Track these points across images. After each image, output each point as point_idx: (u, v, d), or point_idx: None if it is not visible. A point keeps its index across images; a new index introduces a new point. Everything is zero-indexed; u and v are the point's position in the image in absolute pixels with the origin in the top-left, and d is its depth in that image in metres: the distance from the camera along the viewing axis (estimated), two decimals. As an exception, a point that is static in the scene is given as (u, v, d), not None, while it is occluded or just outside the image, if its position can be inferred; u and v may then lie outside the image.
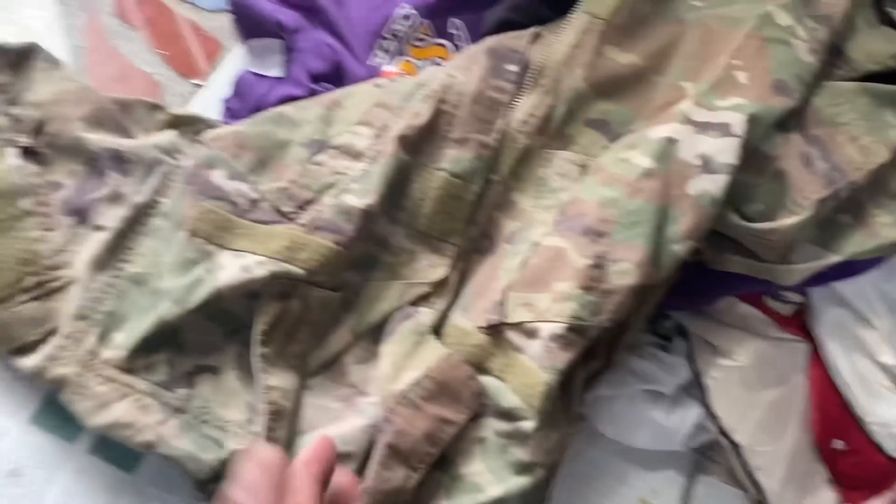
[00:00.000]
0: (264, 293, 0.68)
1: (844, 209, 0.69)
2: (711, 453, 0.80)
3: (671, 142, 0.66)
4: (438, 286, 0.74)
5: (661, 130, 0.68)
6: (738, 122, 0.64)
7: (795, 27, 0.71)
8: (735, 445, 0.75)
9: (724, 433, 0.75)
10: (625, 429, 0.76)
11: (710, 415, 0.76)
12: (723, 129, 0.65)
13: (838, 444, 0.73)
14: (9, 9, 0.78)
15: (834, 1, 0.76)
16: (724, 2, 0.76)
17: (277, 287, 0.68)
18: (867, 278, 0.72)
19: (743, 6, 0.74)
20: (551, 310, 0.66)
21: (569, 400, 0.70)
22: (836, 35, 0.76)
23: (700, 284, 0.76)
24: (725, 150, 0.64)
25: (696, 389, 0.77)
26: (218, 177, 0.70)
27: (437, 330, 0.74)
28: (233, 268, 0.67)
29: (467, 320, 0.72)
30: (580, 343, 0.66)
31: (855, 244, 0.67)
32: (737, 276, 0.74)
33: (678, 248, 0.66)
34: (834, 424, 0.73)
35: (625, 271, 0.65)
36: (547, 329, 0.66)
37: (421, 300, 0.74)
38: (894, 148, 0.68)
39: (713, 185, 0.64)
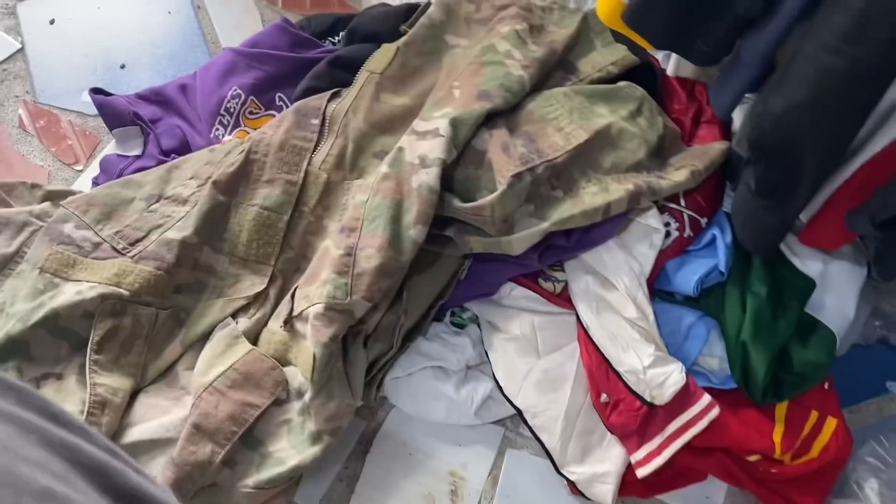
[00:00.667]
0: (98, 312, 0.83)
1: (558, 186, 0.81)
2: (521, 429, 0.88)
3: (400, 150, 0.81)
4: (256, 299, 0.88)
5: (400, 142, 0.83)
6: (443, 125, 0.79)
7: (513, 51, 0.87)
8: (518, 410, 0.84)
9: (508, 400, 0.84)
10: (421, 404, 0.86)
11: (497, 385, 0.85)
12: (434, 133, 0.80)
13: (604, 398, 0.81)
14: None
15: (557, 31, 0.92)
16: (474, 45, 0.93)
17: (109, 307, 0.83)
18: (606, 248, 0.82)
19: (481, 43, 0.91)
20: (315, 295, 0.79)
21: (351, 376, 0.81)
22: (570, 55, 0.92)
23: (482, 276, 0.88)
24: (435, 148, 0.79)
25: (487, 368, 0.87)
26: (68, 228, 0.88)
27: (257, 337, 0.87)
28: (69, 293, 0.83)
29: (276, 323, 0.86)
30: (341, 319, 0.78)
31: (562, 211, 0.78)
32: (507, 265, 0.86)
33: (413, 232, 0.79)
34: (598, 381, 0.81)
35: (369, 256, 0.78)
36: (313, 311, 0.79)
37: (240, 312, 0.88)
38: (595, 131, 0.81)
39: (428, 176, 0.78)
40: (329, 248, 0.82)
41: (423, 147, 0.80)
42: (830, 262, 0.86)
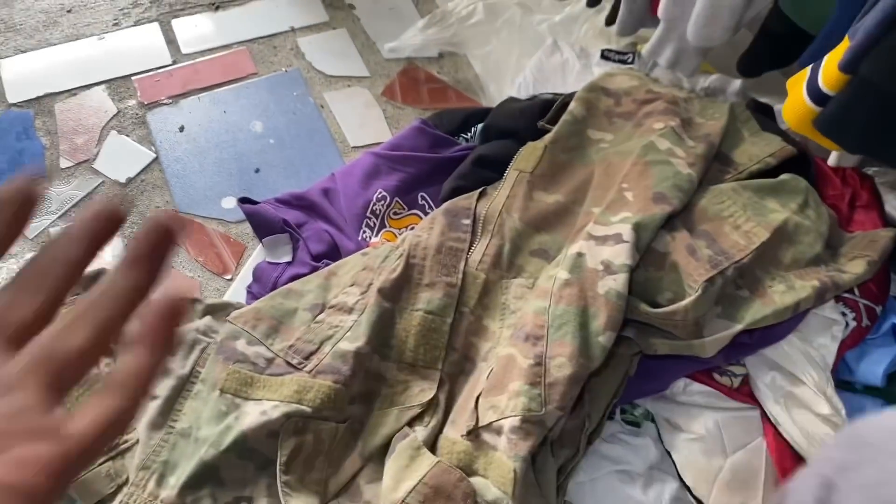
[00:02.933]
0: (282, 431, 0.84)
1: (743, 286, 0.81)
2: (703, 527, 0.88)
3: (580, 255, 0.82)
4: (429, 406, 0.88)
5: (573, 248, 0.84)
6: (626, 231, 0.80)
7: (674, 148, 0.88)
8: (710, 510, 0.83)
9: (699, 502, 0.84)
10: (607, 509, 0.85)
11: (684, 486, 0.85)
12: (616, 238, 0.81)
13: (801, 495, 0.80)
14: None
15: (711, 123, 0.93)
16: (623, 140, 0.95)
17: (292, 425, 0.84)
18: (787, 341, 0.83)
19: (634, 140, 0.92)
20: (508, 406, 0.79)
21: (542, 485, 0.81)
22: (722, 146, 0.93)
23: (654, 373, 0.88)
24: (620, 254, 0.79)
25: (669, 466, 0.86)
26: (241, 345, 0.89)
27: (434, 445, 0.87)
28: (254, 414, 0.84)
29: (454, 431, 0.86)
30: (537, 431, 0.78)
31: (753, 312, 0.78)
32: (682, 361, 0.86)
33: (602, 339, 0.79)
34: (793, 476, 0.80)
35: (561, 364, 0.79)
36: (507, 424, 0.79)
37: (416, 421, 0.88)
38: (774, 228, 0.82)
39: (616, 283, 0.79)
40: (514, 356, 0.82)
41: (606, 252, 0.81)
42: None
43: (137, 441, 0.86)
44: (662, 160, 0.87)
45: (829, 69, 0.69)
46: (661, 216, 0.81)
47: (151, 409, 0.87)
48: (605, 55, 1.19)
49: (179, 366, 0.90)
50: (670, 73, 1.11)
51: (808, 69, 0.73)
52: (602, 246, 0.82)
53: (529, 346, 0.81)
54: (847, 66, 0.67)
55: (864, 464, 0.42)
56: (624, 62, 1.18)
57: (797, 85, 0.74)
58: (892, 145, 0.69)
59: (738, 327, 0.78)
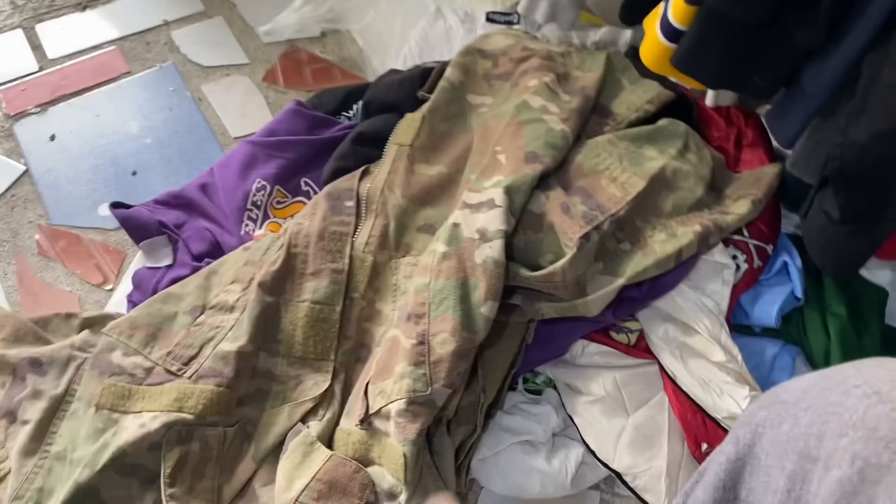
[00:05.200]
0: (164, 442, 0.79)
1: (624, 239, 0.78)
2: (617, 489, 0.85)
3: (456, 226, 0.78)
4: (323, 399, 0.84)
5: (451, 218, 0.80)
6: (498, 195, 0.77)
7: (548, 105, 0.85)
8: (617, 474, 0.80)
9: (604, 465, 0.81)
10: (513, 482, 0.82)
11: (589, 451, 0.82)
12: (489, 204, 0.77)
13: (705, 447, 0.78)
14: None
15: (588, 75, 0.90)
16: (501, 102, 0.91)
17: (175, 434, 0.79)
18: (678, 291, 0.80)
19: (511, 101, 0.89)
20: (394, 390, 0.76)
21: (440, 466, 0.78)
22: (601, 98, 0.90)
23: (551, 338, 0.85)
24: (494, 220, 0.76)
25: (574, 431, 0.84)
26: (117, 357, 0.84)
27: (331, 438, 0.83)
28: (132, 427, 0.79)
29: (349, 422, 0.82)
30: (426, 412, 0.75)
31: (634, 265, 0.76)
32: (577, 323, 0.83)
33: (484, 309, 0.76)
34: (696, 430, 0.78)
35: (444, 341, 0.75)
36: (394, 408, 0.75)
37: (310, 415, 0.84)
38: (651, 176, 0.79)
39: (492, 250, 0.75)
40: (398, 337, 0.78)
41: (481, 220, 0.77)
42: (898, 267, 0.85)
43: (10, 471, 0.80)
44: (535, 118, 0.83)
45: (678, 2, 0.66)
46: (533, 176, 0.78)
47: (22, 434, 0.81)
48: (491, 17, 1.15)
49: (52, 386, 0.84)
50: (558, 31, 1.08)
51: (661, 5, 0.70)
52: (477, 213, 0.78)
53: (412, 325, 0.77)
54: (691, -3, 0.63)
55: (780, 420, 0.42)
56: (510, 23, 1.14)
57: (652, 23, 0.70)
58: (749, 75, 0.66)
59: (620, 282, 0.75)
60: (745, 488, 0.44)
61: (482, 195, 0.79)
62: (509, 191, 0.77)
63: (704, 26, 0.64)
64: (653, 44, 0.70)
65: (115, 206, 0.97)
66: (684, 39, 0.67)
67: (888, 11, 0.55)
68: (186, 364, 0.83)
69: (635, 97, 0.88)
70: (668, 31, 0.68)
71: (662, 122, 0.85)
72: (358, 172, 0.94)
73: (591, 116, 0.88)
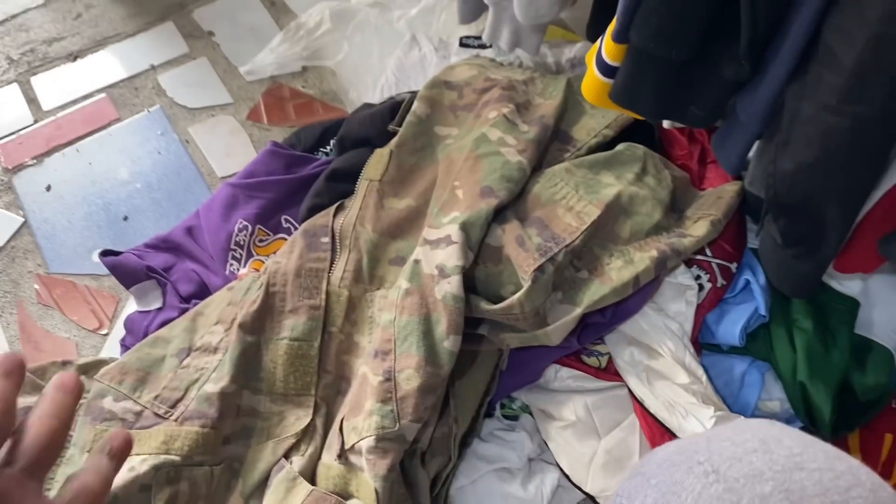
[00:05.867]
0: (154, 483, 0.83)
1: (581, 267, 0.80)
2: (595, 511, 0.87)
3: (417, 262, 0.81)
4: (304, 434, 0.87)
5: (412, 255, 0.82)
6: (454, 231, 0.79)
7: (505, 137, 0.86)
8: (590, 497, 0.82)
9: (578, 488, 0.83)
10: (490, 510, 0.84)
11: (564, 474, 0.83)
12: (447, 241, 0.79)
13: (674, 467, 0.79)
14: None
15: (548, 102, 0.91)
16: (464, 133, 0.93)
17: (164, 475, 0.83)
18: (642, 314, 0.81)
19: (473, 133, 0.91)
20: (364, 427, 0.78)
21: (416, 497, 0.80)
22: (562, 124, 0.91)
23: (524, 364, 0.87)
24: (452, 256, 0.78)
25: (550, 455, 0.85)
26: (108, 402, 0.88)
27: (314, 472, 0.86)
28: (122, 471, 0.83)
29: (329, 456, 0.85)
30: (396, 447, 0.77)
31: (591, 294, 0.77)
32: (548, 349, 0.84)
33: (447, 344, 0.78)
34: (664, 450, 0.79)
35: (409, 377, 0.77)
36: (365, 444, 0.78)
37: (292, 450, 0.87)
38: (605, 204, 0.80)
39: (450, 285, 0.77)
40: (367, 375, 0.81)
41: (440, 256, 0.79)
42: (869, 276, 0.84)
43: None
44: (492, 151, 0.85)
45: (608, 40, 0.67)
46: (488, 211, 0.80)
47: (22, 482, 0.86)
48: (464, 42, 1.17)
49: (50, 433, 0.89)
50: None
51: (598, 42, 0.71)
52: (436, 250, 0.80)
53: (379, 362, 0.80)
54: (618, 37, 0.65)
55: (635, 495, 0.43)
56: (483, 47, 1.16)
57: (590, 59, 0.72)
58: (686, 106, 0.67)
59: (578, 311, 0.77)
60: None
61: (440, 231, 0.81)
62: (465, 226, 0.79)
63: (634, 63, 0.65)
64: (592, 80, 0.71)
65: (105, 253, 1.01)
66: (618, 76, 0.68)
67: (802, 46, 0.56)
68: (173, 406, 0.87)
69: (594, 122, 0.90)
70: (604, 67, 0.69)
71: (620, 147, 0.86)
72: (333, 208, 0.96)
73: (552, 143, 0.90)
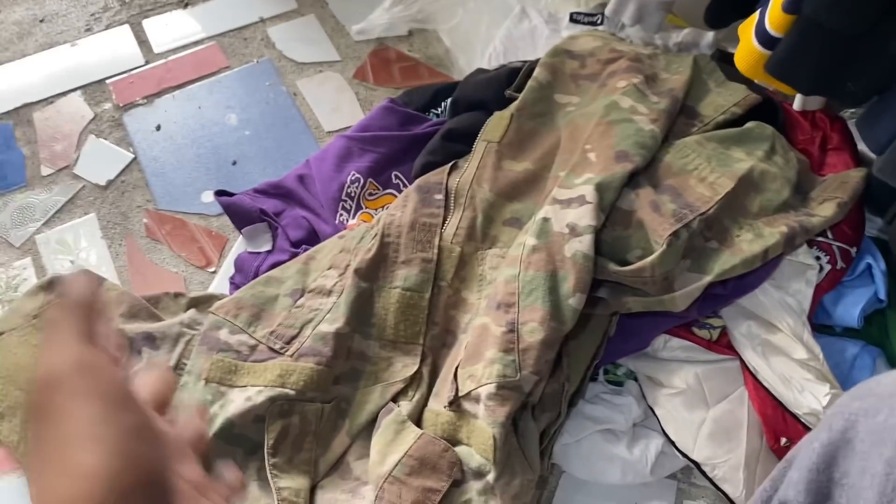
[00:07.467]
0: (268, 415, 0.85)
1: (711, 237, 0.81)
2: (693, 479, 0.88)
3: (546, 220, 0.82)
4: (412, 381, 0.89)
5: (540, 214, 0.84)
6: (589, 192, 0.80)
7: (637, 105, 0.88)
8: (696, 464, 0.83)
9: (684, 455, 0.84)
10: (594, 468, 0.86)
11: (669, 441, 0.85)
12: (580, 201, 0.81)
13: (784, 441, 0.80)
14: (67, 246, 1.05)
15: (675, 77, 0.92)
16: (588, 101, 0.94)
17: (277, 408, 0.85)
18: (762, 290, 0.82)
19: (599, 101, 0.92)
20: (484, 375, 0.80)
21: (525, 449, 0.82)
22: (688, 100, 0.92)
23: (634, 331, 0.88)
24: (585, 216, 0.79)
25: (654, 422, 0.87)
26: (223, 334, 0.90)
27: (420, 418, 0.88)
28: (239, 400, 0.85)
29: (438, 403, 0.87)
30: (514, 397, 0.79)
31: (722, 263, 0.78)
32: (659, 317, 0.86)
33: (572, 301, 0.79)
34: (775, 424, 0.81)
35: (533, 330, 0.79)
36: (484, 391, 0.79)
37: (400, 395, 0.89)
38: (739, 177, 0.81)
39: (582, 244, 0.79)
40: (488, 325, 0.83)
41: (571, 215, 0.81)
42: None
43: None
44: (625, 118, 0.86)
45: (775, 11, 0.68)
46: (623, 174, 0.81)
47: (140, 403, 0.89)
48: (574, 18, 1.18)
49: (165, 359, 0.91)
50: (642, 32, 1.10)
51: (757, 13, 0.72)
52: (567, 209, 0.82)
53: (502, 313, 0.82)
54: (790, 7, 0.66)
55: (875, 411, 0.45)
56: (593, 24, 1.17)
57: (747, 30, 0.73)
58: (843, 82, 0.68)
59: (708, 279, 0.78)
60: (839, 471, 0.47)
61: (572, 191, 0.82)
62: (600, 188, 0.80)
63: (801, 35, 0.66)
64: (748, 50, 0.72)
65: (219, 193, 1.04)
66: (780, 47, 0.69)
67: None
68: (288, 343, 0.89)
69: (722, 99, 0.91)
70: (764, 38, 0.70)
71: (750, 124, 0.87)
72: (447, 167, 0.98)
73: (679, 118, 0.91)
